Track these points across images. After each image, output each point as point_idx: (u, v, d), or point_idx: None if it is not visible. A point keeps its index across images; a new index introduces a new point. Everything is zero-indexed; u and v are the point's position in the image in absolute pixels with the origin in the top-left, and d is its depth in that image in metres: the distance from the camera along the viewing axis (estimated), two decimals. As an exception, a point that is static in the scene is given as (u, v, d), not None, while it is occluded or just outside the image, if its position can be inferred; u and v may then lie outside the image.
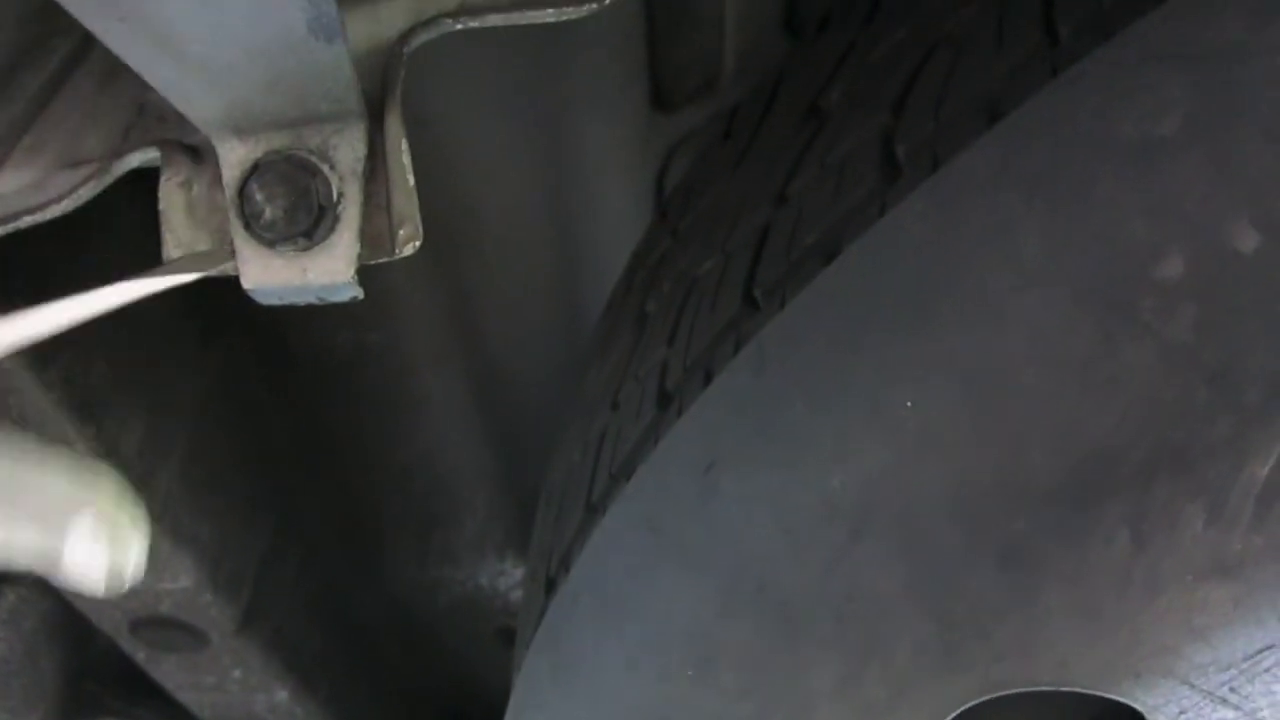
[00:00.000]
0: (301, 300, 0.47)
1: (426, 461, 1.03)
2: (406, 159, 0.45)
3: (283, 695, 1.01)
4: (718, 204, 0.65)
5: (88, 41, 0.60)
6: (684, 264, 0.65)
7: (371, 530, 1.10)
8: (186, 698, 1.00)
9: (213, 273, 0.46)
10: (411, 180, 0.45)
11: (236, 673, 0.97)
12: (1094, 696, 0.45)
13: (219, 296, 0.57)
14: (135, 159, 0.48)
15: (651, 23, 0.81)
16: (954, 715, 0.46)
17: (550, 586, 0.65)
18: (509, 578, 1.12)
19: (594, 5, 0.45)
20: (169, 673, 0.97)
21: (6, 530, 0.38)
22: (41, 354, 0.69)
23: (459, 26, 0.46)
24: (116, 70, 0.58)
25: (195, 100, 0.43)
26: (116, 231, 0.69)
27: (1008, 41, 0.48)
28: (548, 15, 0.46)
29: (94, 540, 0.40)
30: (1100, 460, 0.39)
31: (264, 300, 0.47)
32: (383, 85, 0.45)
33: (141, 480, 0.78)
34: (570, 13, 0.45)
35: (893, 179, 0.48)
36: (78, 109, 0.57)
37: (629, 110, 0.85)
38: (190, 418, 0.85)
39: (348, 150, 0.45)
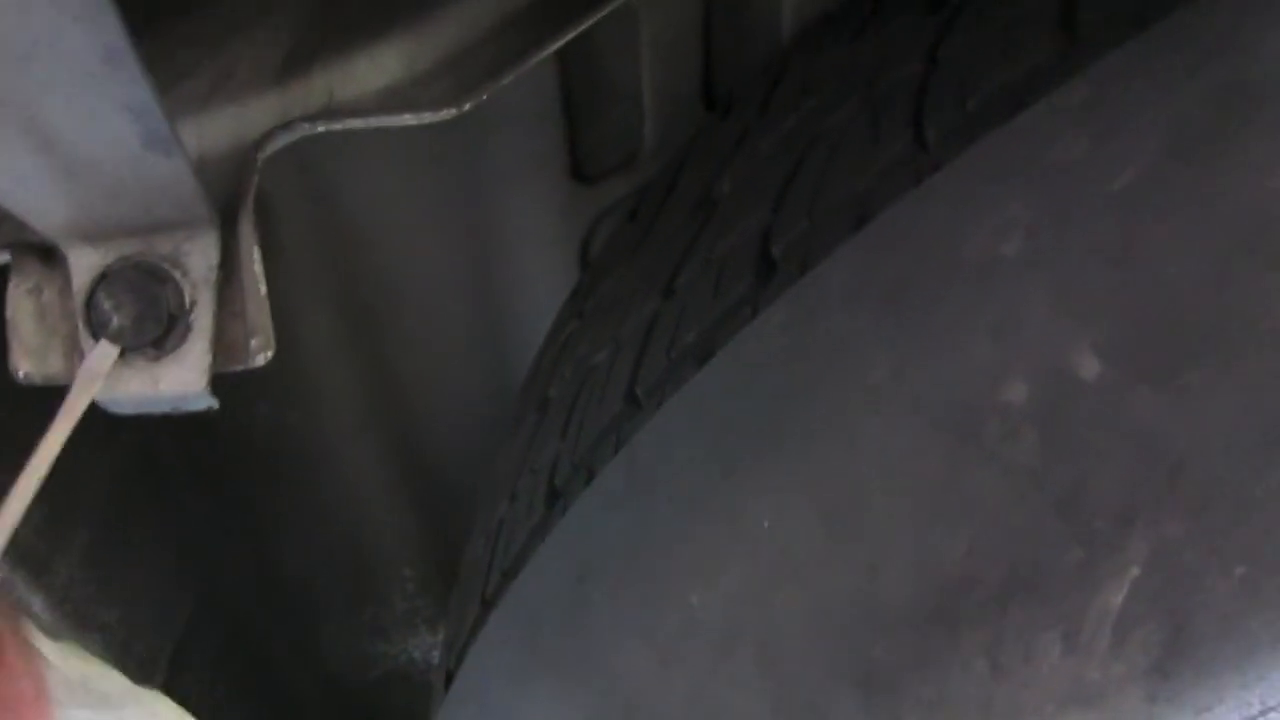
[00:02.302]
0: (156, 410, 0.46)
1: (353, 536, 1.01)
2: (258, 267, 0.44)
3: (204, 777, 0.98)
4: (615, 290, 0.64)
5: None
6: (583, 350, 0.64)
7: (301, 606, 1.07)
8: (101, 782, 0.97)
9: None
10: (263, 289, 0.44)
11: (154, 755, 0.94)
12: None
13: None
14: (-9, 262, 0.47)
15: (569, 97, 0.81)
16: (827, 840, 0.44)
17: (449, 681, 0.63)
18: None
19: (452, 111, 0.44)
20: (81, 757, 0.93)
21: None
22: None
23: (320, 129, 0.46)
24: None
25: (36, 208, 0.42)
26: None
27: (880, 142, 0.47)
28: (407, 119, 0.45)
29: None
30: (954, 587, 0.38)
31: (116, 410, 0.46)
32: (235, 191, 0.44)
33: (40, 565, 0.76)
34: (428, 117, 0.45)
35: (767, 279, 0.48)
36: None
37: (549, 183, 0.85)
38: (98, 499, 0.83)
39: (200, 258, 0.44)
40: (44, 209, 0.42)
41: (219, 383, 0.46)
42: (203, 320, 0.44)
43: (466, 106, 0.44)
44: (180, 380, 0.44)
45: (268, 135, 0.45)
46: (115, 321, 0.43)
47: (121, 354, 0.43)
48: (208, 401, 0.45)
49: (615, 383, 0.55)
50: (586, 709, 0.46)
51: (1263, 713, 0.37)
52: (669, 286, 0.56)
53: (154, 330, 0.43)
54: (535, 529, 0.56)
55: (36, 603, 0.76)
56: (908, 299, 0.38)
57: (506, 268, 0.88)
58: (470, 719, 0.54)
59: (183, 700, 0.94)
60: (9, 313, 0.45)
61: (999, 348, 0.36)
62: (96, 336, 0.44)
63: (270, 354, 0.44)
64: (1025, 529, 0.36)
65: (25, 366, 0.45)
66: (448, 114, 0.44)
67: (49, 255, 0.46)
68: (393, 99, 0.48)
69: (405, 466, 0.97)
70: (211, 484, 0.96)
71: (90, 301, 0.44)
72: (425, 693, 1.14)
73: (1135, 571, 0.36)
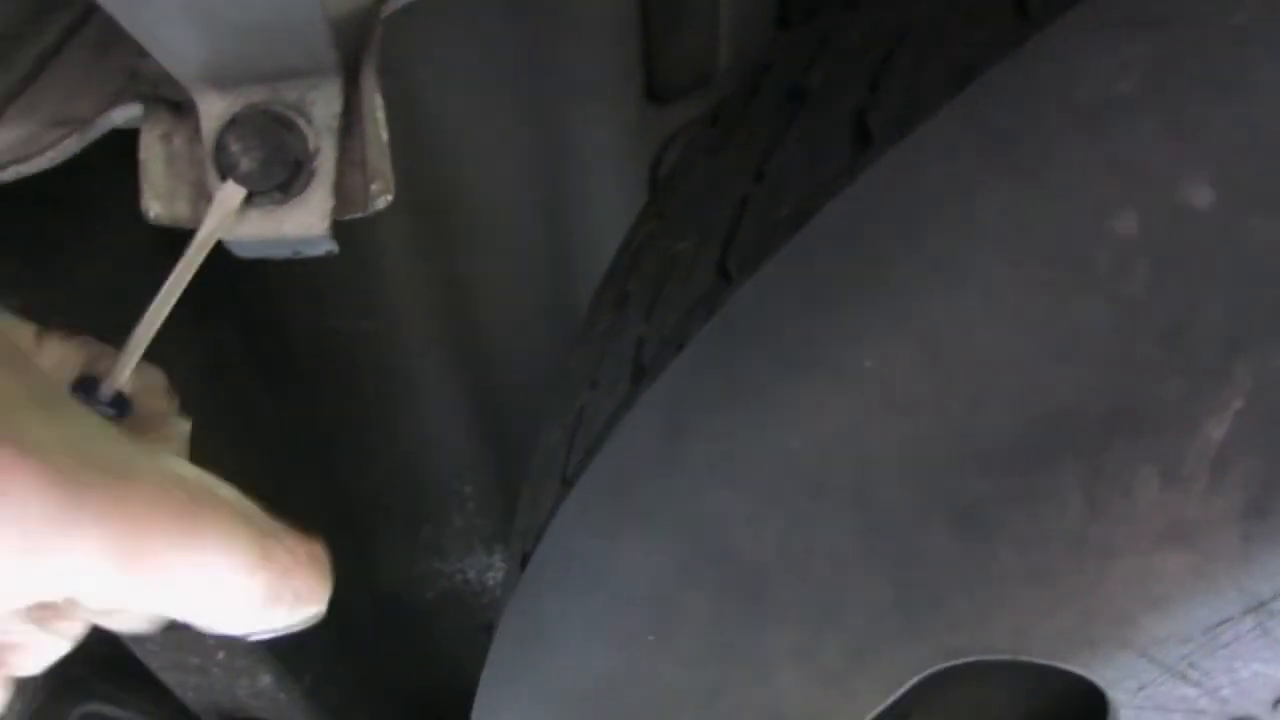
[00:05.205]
0: (279, 254, 0.48)
1: (417, 452, 1.04)
2: (381, 115, 0.45)
3: (266, 680, 1.01)
4: (699, 185, 0.65)
5: (88, 11, 0.62)
6: (665, 243, 0.65)
7: (361, 520, 1.10)
8: (170, 679, 1.00)
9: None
10: (385, 136, 0.45)
11: (220, 655, 0.97)
12: (1055, 676, 0.45)
13: (213, 278, 0.58)
14: (119, 115, 0.49)
15: (646, 16, 0.82)
16: (912, 684, 0.45)
17: (525, 562, 0.65)
18: (497, 572, 1.12)
19: (568, -31, 0.46)
20: (153, 652, 0.97)
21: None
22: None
23: (440, -11, 0.47)
24: (113, 38, 0.59)
25: (173, 50, 0.43)
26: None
27: (979, 19, 0.48)
28: (525, -21, 0.47)
29: None
30: (1054, 421, 0.39)
31: (241, 253, 0.48)
32: (359, 43, 0.46)
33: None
34: (546, -24, 0.46)
35: (864, 148, 0.49)
36: (73, 73, 0.58)
37: (624, 102, 0.86)
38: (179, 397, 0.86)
39: (324, 106, 0.46)
40: (181, 50, 0.44)
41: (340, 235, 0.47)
42: (325, 166, 0.46)
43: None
44: (303, 224, 0.46)
45: (390, -9, 0.47)
46: (243, 165, 0.45)
47: (249, 197, 0.45)
48: (328, 245, 0.47)
49: (703, 262, 0.56)
50: (679, 553, 0.48)
51: (1357, 556, 0.38)
52: (759, 171, 0.57)
53: (281, 174, 0.45)
54: (621, 404, 0.57)
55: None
56: (1018, 141, 0.39)
57: (578, 186, 0.90)
58: (552, 580, 0.56)
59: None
60: (141, 155, 0.47)
61: (1112, 181, 0.37)
62: (225, 180, 0.46)
63: (389, 198, 0.46)
64: (1130, 360, 0.37)
65: (155, 208, 0.47)
66: (564, -27, 0.46)
67: (178, 107, 0.48)
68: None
69: (472, 382, 0.99)
70: (282, 393, 0.98)
71: (219, 145, 0.46)
72: (479, 614, 1.17)
73: (1238, 404, 0.37)
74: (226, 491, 0.38)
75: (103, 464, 0.33)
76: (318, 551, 0.40)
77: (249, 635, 0.40)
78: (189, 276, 0.45)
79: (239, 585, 0.37)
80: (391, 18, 0.48)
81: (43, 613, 0.41)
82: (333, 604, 1.24)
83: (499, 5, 0.80)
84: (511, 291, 0.95)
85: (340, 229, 0.47)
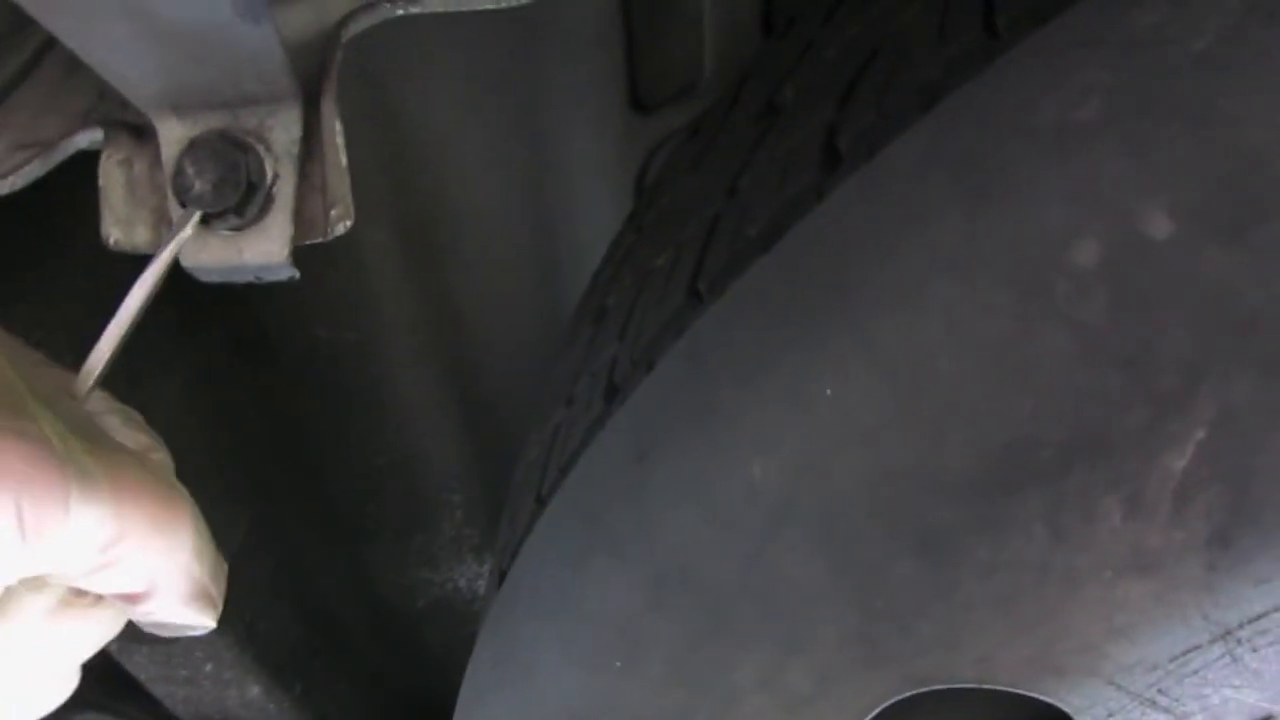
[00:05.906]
0: (240, 279, 0.48)
1: (405, 462, 1.03)
2: (340, 140, 0.45)
3: (255, 691, 1.01)
4: (677, 200, 0.65)
5: (59, 32, 0.62)
6: (642, 258, 0.64)
7: (352, 530, 1.10)
8: (159, 690, 1.00)
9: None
10: (344, 161, 0.45)
11: (209, 666, 0.97)
12: (1028, 700, 0.44)
13: (196, 289, 0.57)
14: (83, 139, 0.49)
15: (629, 24, 0.82)
16: (880, 710, 0.45)
17: (501, 580, 0.65)
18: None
19: (528, -7, 0.45)
20: (142, 664, 0.97)
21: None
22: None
23: (399, 11, 0.47)
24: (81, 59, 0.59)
25: (130, 78, 0.43)
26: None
27: (949, 36, 0.48)
28: (487, 3, 0.46)
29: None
30: (1016, 449, 0.38)
31: (204, 278, 0.48)
32: (319, 69, 0.45)
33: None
34: (505, 1, 0.45)
35: (832, 169, 0.48)
36: (41, 94, 0.58)
37: (607, 112, 0.85)
38: (164, 410, 0.86)
39: (283, 132, 0.45)
40: (136, 78, 0.44)
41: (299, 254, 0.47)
42: (285, 193, 0.45)
43: (543, -11, 0.45)
44: (263, 250, 0.46)
45: (351, 15, 0.46)
46: (197, 187, 0.45)
47: (205, 220, 0.45)
48: (289, 272, 0.46)
49: (676, 281, 0.56)
50: (643, 580, 0.47)
51: (1323, 585, 0.38)
52: (732, 188, 0.56)
53: (233, 195, 0.45)
54: (593, 424, 0.57)
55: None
56: (978, 167, 0.39)
57: (563, 196, 0.89)
58: (525, 603, 0.56)
59: (241, 617, 0.97)
60: (100, 181, 0.47)
61: (1071, 208, 0.36)
62: (183, 205, 0.45)
63: (349, 224, 0.45)
64: (1090, 389, 0.37)
65: (115, 234, 0.47)
66: (523, -2, 0.45)
67: (140, 132, 0.48)
68: (470, -12, 0.48)
69: (459, 393, 0.99)
70: (269, 404, 0.98)
71: (177, 170, 0.45)
72: (469, 622, 1.16)
73: (1200, 434, 0.36)
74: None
75: (99, 452, 0.36)
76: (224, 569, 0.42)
77: (172, 631, 0.42)
78: (143, 302, 0.44)
79: (189, 574, 0.39)
80: (367, 35, 0.48)
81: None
82: (325, 613, 1.24)
83: (481, 16, 0.79)
84: (498, 301, 0.95)
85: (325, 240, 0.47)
